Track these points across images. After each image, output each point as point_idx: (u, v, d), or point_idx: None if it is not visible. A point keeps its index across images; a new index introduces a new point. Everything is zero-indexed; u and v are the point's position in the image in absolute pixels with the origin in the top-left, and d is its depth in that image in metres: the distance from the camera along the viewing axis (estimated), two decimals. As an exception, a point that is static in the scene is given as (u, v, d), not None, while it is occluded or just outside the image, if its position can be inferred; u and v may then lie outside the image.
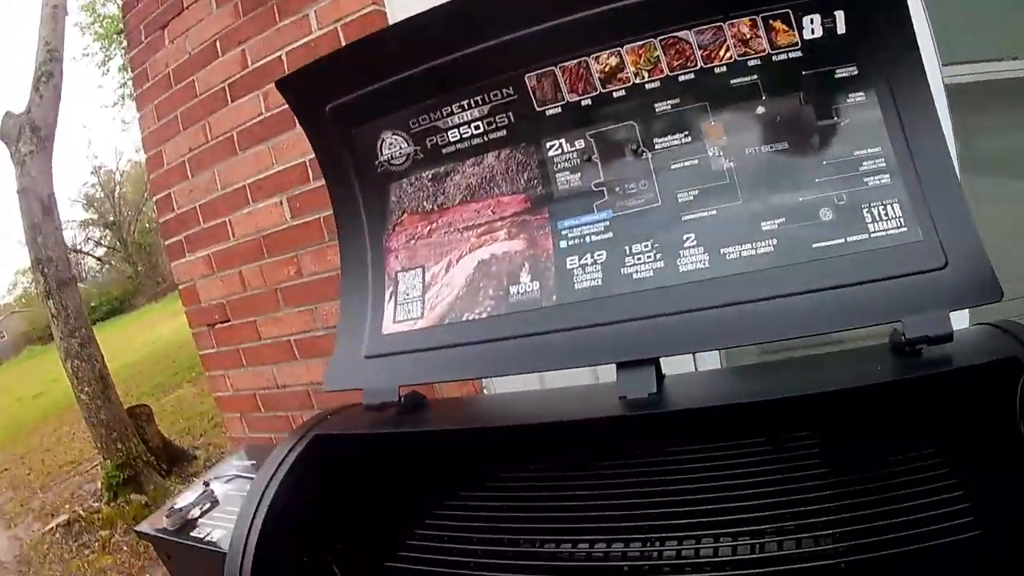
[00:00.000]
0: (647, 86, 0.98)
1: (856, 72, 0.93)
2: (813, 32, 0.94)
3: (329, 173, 1.20)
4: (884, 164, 0.91)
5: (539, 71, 1.02)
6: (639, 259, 0.97)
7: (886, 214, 0.90)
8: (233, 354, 2.51)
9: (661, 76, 0.97)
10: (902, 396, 0.88)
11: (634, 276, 0.97)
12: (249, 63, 2.26)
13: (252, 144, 2.29)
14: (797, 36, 0.94)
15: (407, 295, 1.12)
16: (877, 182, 0.91)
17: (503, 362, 1.03)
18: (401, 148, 1.13)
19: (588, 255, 1.01)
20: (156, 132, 2.57)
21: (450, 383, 1.63)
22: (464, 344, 1.04)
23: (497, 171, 1.08)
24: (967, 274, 0.86)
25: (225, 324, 2.50)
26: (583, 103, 1.01)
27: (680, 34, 0.96)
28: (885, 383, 0.83)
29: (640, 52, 0.98)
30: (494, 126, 1.07)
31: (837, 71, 0.94)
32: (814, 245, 0.91)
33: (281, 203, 2.27)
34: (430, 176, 1.13)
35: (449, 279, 1.09)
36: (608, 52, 0.99)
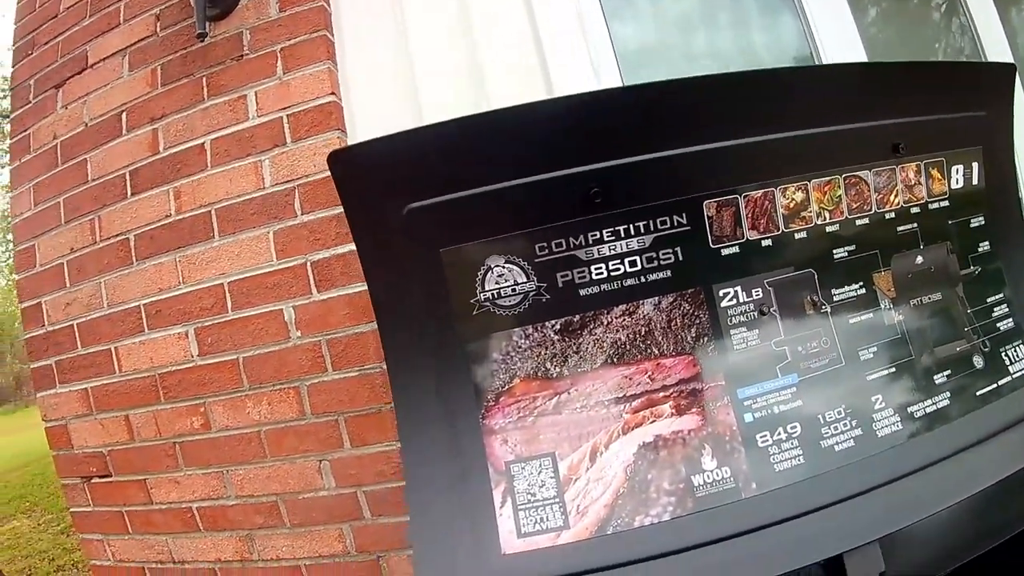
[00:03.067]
0: (827, 228, 0.91)
1: (983, 222, 1.01)
2: (958, 182, 0.99)
3: (390, 307, 0.85)
4: (1008, 309, 1.01)
5: (720, 199, 0.86)
6: (835, 428, 0.89)
7: (1018, 354, 0.99)
8: (115, 517, 1.88)
9: (840, 218, 0.92)
10: None
11: (836, 448, 0.88)
12: (161, 147, 1.68)
13: (154, 253, 1.68)
14: (947, 185, 0.98)
15: (533, 496, 0.84)
16: (1007, 326, 1.00)
17: (712, 578, 0.85)
18: (516, 282, 0.83)
19: (781, 429, 0.88)
20: (31, 220, 1.98)
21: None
22: (647, 559, 0.83)
23: (656, 324, 0.86)
24: None
25: (105, 479, 1.87)
26: (763, 243, 0.89)
27: (861, 173, 0.92)
28: None
29: (825, 189, 0.90)
30: (656, 264, 0.85)
31: (972, 221, 1.00)
32: (977, 393, 0.95)
33: (187, 334, 1.65)
34: (558, 327, 0.85)
35: (599, 471, 0.84)
36: (797, 184, 0.89)
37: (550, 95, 1.41)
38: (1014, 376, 0.98)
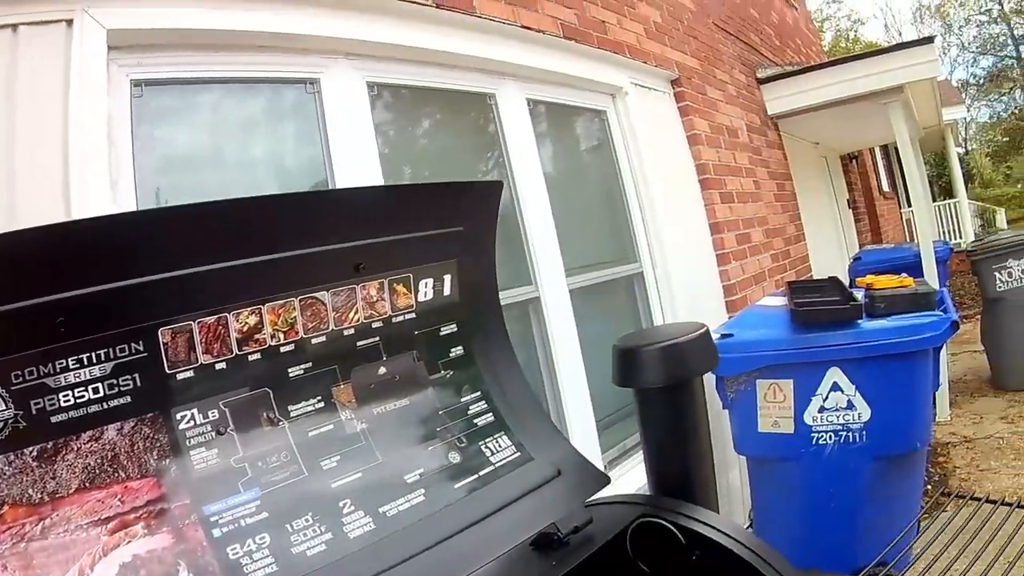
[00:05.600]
0: (282, 348, 1.03)
1: (456, 329, 1.16)
2: (427, 295, 1.13)
3: None
4: (485, 404, 1.15)
5: (175, 325, 0.96)
6: (305, 535, 0.98)
7: (499, 445, 1.13)
8: None
9: (296, 338, 1.04)
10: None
11: (308, 553, 0.97)
12: None
13: None
14: (413, 298, 1.11)
15: None
16: (485, 420, 1.14)
17: None
18: None
19: (251, 540, 0.96)
20: None
21: None
22: None
23: (120, 448, 0.95)
24: (578, 473, 1.15)
25: None
26: (217, 366, 0.99)
27: (318, 294, 1.05)
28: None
29: (279, 311, 1.02)
30: (116, 390, 0.94)
31: (442, 329, 1.15)
32: (455, 486, 1.07)
33: None
34: (35, 453, 0.91)
35: None
36: (249, 309, 1.00)
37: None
38: (497, 465, 1.12)
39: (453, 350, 1.16)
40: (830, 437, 2.58)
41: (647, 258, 3.35)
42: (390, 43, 2.21)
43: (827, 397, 2.58)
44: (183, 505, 0.96)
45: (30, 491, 0.92)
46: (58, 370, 0.91)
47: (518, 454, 1.14)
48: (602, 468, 2.48)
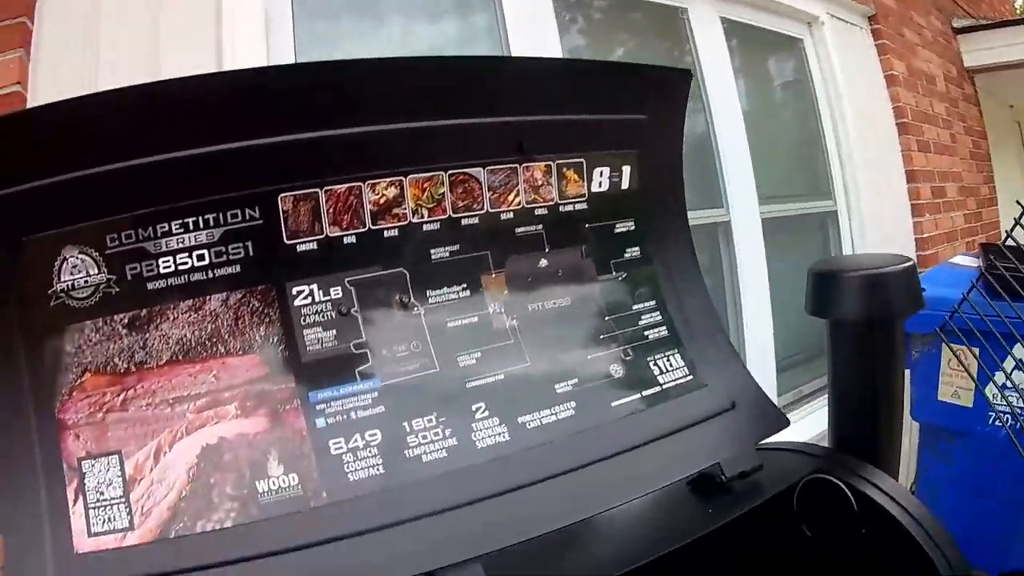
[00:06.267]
0: (425, 227, 0.89)
1: (633, 227, 0.99)
2: (600, 185, 0.97)
3: None
4: (660, 316, 0.98)
5: (298, 192, 0.84)
6: (424, 437, 0.85)
7: (670, 364, 0.96)
8: None
9: (442, 217, 0.90)
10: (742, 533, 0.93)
11: (424, 459, 0.84)
12: None
13: None
14: (586, 187, 0.96)
15: (102, 494, 0.82)
16: (657, 334, 0.97)
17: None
18: (88, 274, 0.82)
19: (358, 436, 0.84)
20: None
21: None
22: (207, 567, 0.79)
23: (223, 321, 0.84)
24: (754, 409, 0.99)
25: None
26: (346, 240, 0.86)
27: (472, 171, 0.90)
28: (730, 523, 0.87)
29: (424, 186, 0.88)
30: (225, 258, 0.83)
31: (617, 225, 0.98)
32: (613, 404, 0.91)
33: None
34: (126, 321, 0.83)
35: (162, 472, 0.82)
36: (389, 180, 0.87)
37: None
38: (664, 386, 0.95)
39: (628, 250, 0.99)
40: (1008, 419, 2.28)
41: (841, 198, 3.24)
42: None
43: (1011, 374, 2.28)
44: (286, 388, 0.84)
45: (116, 360, 0.83)
46: (159, 234, 0.81)
47: (690, 377, 0.97)
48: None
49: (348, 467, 0.83)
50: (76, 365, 0.84)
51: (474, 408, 0.87)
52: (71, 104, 0.83)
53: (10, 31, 1.53)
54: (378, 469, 0.83)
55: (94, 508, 0.82)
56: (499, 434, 0.86)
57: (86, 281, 0.82)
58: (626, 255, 0.98)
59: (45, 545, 0.82)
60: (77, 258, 0.82)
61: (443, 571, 0.79)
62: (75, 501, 0.82)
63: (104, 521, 0.82)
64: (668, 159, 1.05)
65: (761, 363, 2.57)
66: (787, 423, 1.01)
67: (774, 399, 2.49)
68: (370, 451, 0.83)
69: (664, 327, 0.97)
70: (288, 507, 0.81)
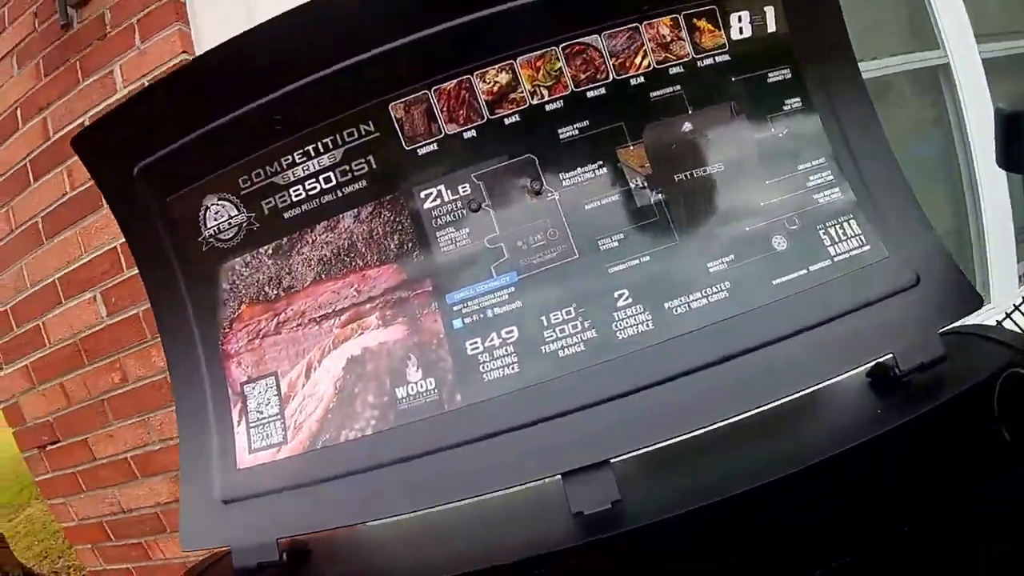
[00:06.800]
0: (547, 107, 0.83)
1: (790, 75, 0.85)
2: (742, 31, 0.84)
3: (142, 257, 0.94)
4: (831, 176, 0.84)
5: (407, 98, 0.82)
6: (562, 331, 0.80)
7: (844, 233, 0.82)
8: (70, 478, 2.17)
9: (564, 94, 0.83)
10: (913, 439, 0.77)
11: (560, 354, 0.79)
12: (51, 133, 1.93)
13: (59, 230, 1.96)
14: (724, 37, 0.84)
15: (261, 414, 0.87)
16: (828, 198, 0.83)
17: (405, 495, 0.80)
18: (230, 217, 0.88)
19: (494, 335, 0.81)
20: (-48, 220, 2.31)
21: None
22: (348, 474, 0.81)
23: (358, 236, 0.86)
24: (942, 286, 0.82)
25: (56, 445, 2.15)
26: (466, 135, 0.83)
27: (587, 39, 0.83)
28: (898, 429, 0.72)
29: (537, 64, 0.82)
30: (349, 176, 0.85)
31: (770, 75, 0.85)
32: (774, 282, 0.80)
33: (95, 298, 1.93)
34: (270, 251, 0.89)
35: (312, 387, 0.86)
36: (497, 67, 0.82)
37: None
38: (836, 259, 0.80)
39: (788, 102, 0.84)
40: None
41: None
42: None
43: None
44: (424, 293, 0.84)
45: (266, 288, 0.89)
46: (285, 167, 0.86)
47: (867, 248, 0.82)
48: (1016, 287, 2.01)
49: (484, 367, 0.81)
50: (233, 299, 0.90)
51: (616, 295, 0.80)
52: (196, 64, 0.89)
53: (164, 10, 1.69)
54: (513, 368, 0.80)
55: (255, 427, 0.87)
56: (643, 322, 0.79)
57: (229, 223, 0.89)
58: (785, 107, 0.84)
59: (212, 462, 0.86)
60: (218, 204, 0.88)
61: (573, 473, 0.74)
62: (239, 422, 0.87)
63: (263, 438, 0.87)
64: None
65: (1000, 230, 2.15)
66: (980, 303, 0.81)
67: (1013, 272, 2.16)
68: (506, 350, 0.81)
69: (836, 189, 0.83)
70: (425, 412, 0.81)
